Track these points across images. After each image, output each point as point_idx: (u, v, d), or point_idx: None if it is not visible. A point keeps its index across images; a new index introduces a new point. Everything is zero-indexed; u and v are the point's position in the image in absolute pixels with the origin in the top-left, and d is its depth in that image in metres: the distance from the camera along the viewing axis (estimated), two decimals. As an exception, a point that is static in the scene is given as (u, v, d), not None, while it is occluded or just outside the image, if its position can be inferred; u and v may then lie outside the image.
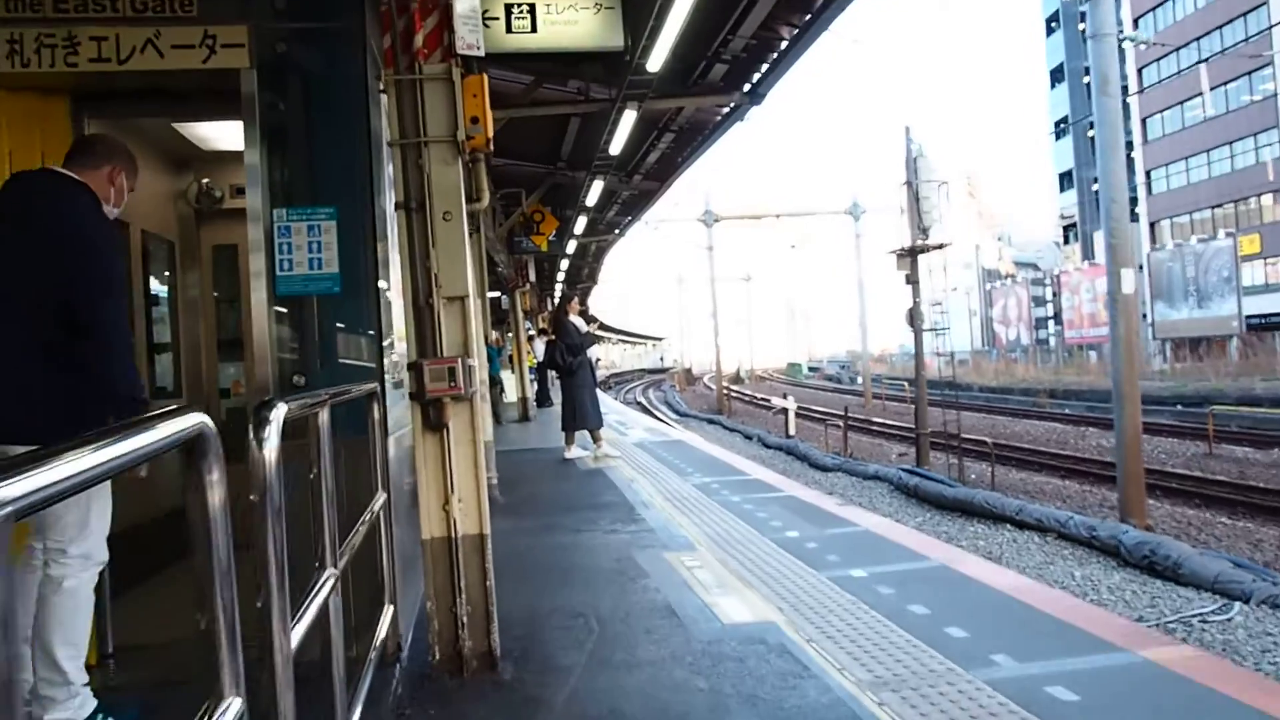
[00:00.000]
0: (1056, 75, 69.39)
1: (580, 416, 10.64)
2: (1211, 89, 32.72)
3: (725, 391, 38.91)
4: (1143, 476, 11.78)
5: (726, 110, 9.34)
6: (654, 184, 13.84)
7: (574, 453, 10.80)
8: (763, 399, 43.50)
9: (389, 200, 4.04)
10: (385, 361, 4.12)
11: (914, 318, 16.46)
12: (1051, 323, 65.88)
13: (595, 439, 10.81)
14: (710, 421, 33.44)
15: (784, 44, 7.84)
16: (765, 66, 8.31)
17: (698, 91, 8.71)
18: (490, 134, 3.90)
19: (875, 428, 26.62)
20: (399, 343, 4.37)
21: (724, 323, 42.93)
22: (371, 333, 4.16)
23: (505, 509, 7.70)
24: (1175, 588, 7.76)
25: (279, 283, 3.91)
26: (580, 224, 14.03)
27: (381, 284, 4.14)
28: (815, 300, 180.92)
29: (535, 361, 18.10)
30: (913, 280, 16.55)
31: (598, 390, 11.16)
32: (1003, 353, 60.46)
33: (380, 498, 3.45)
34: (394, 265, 4.19)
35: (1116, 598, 7.63)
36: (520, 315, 18.36)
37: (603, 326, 59.78)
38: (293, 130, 4.10)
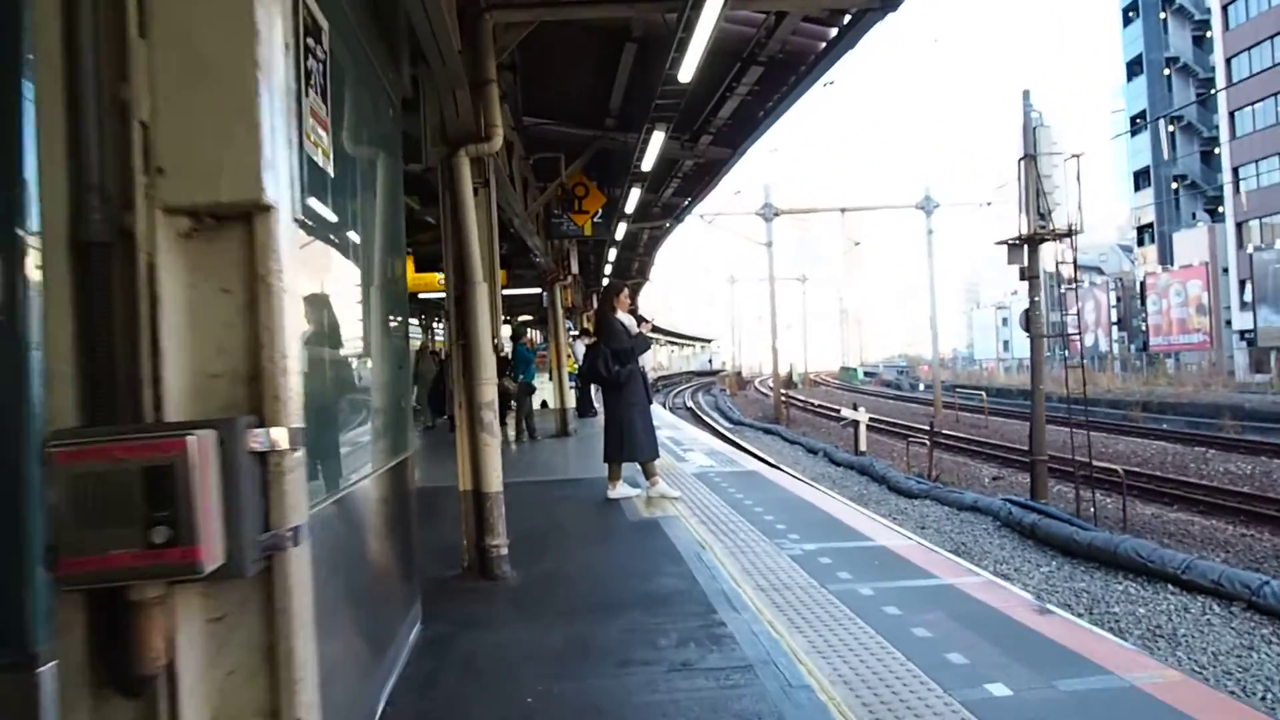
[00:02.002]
0: (1134, 68, 65.27)
1: (629, 445, 8.05)
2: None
3: (783, 398, 36.05)
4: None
5: (846, 21, 6.64)
6: (723, 152, 11.20)
7: (619, 491, 8.23)
8: (822, 406, 40.66)
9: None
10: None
11: (1030, 320, 13.60)
12: (1115, 328, 62.01)
13: (649, 474, 8.22)
14: (767, 431, 30.78)
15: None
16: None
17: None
18: None
19: (956, 443, 23.63)
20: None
21: (777, 324, 40.08)
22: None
23: (515, 598, 5.14)
24: None
25: None
26: (632, 199, 11.40)
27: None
28: (865, 302, 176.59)
29: (576, 366, 15.55)
30: (1030, 275, 13.70)
31: (651, 407, 8.54)
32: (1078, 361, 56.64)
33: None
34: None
35: None
36: (560, 313, 15.81)
37: (654, 329, 57.44)
38: None
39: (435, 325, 33.79)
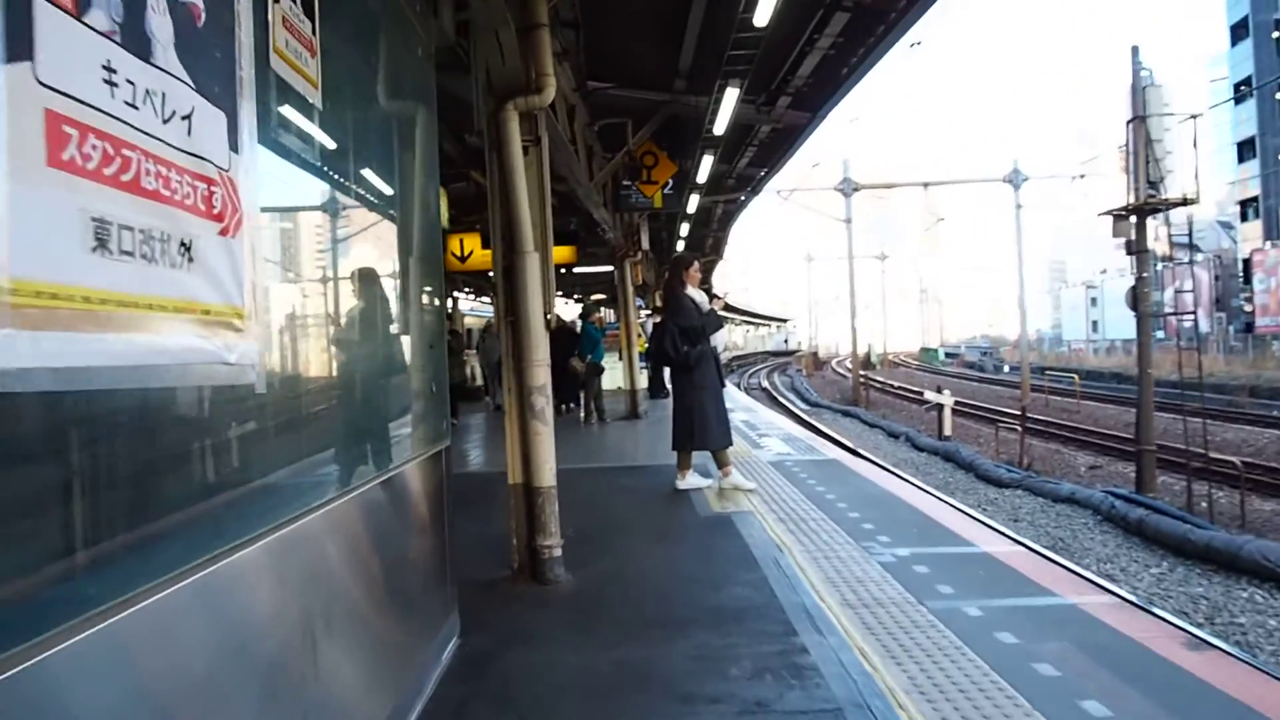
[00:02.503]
0: (1238, 32, 61.37)
1: (700, 432, 7.40)
2: None
3: (862, 380, 34.90)
4: None
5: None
6: (801, 116, 10.40)
7: (689, 482, 7.59)
8: (901, 388, 39.35)
9: None
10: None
11: (1138, 298, 12.47)
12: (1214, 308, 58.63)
13: (721, 464, 7.57)
14: (846, 414, 29.80)
15: None
16: None
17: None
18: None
19: (1047, 429, 22.33)
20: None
21: (855, 304, 38.88)
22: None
23: (567, 607, 4.56)
24: None
25: None
26: (704, 168, 10.64)
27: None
28: (944, 280, 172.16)
29: (647, 346, 14.90)
30: (1138, 249, 12.56)
31: (723, 389, 7.87)
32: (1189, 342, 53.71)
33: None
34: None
35: None
36: (630, 290, 15.19)
37: (726, 307, 56.49)
38: None
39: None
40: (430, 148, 3.90)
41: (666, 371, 9.10)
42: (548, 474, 4.91)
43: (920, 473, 17.28)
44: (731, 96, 7.82)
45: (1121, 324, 64.59)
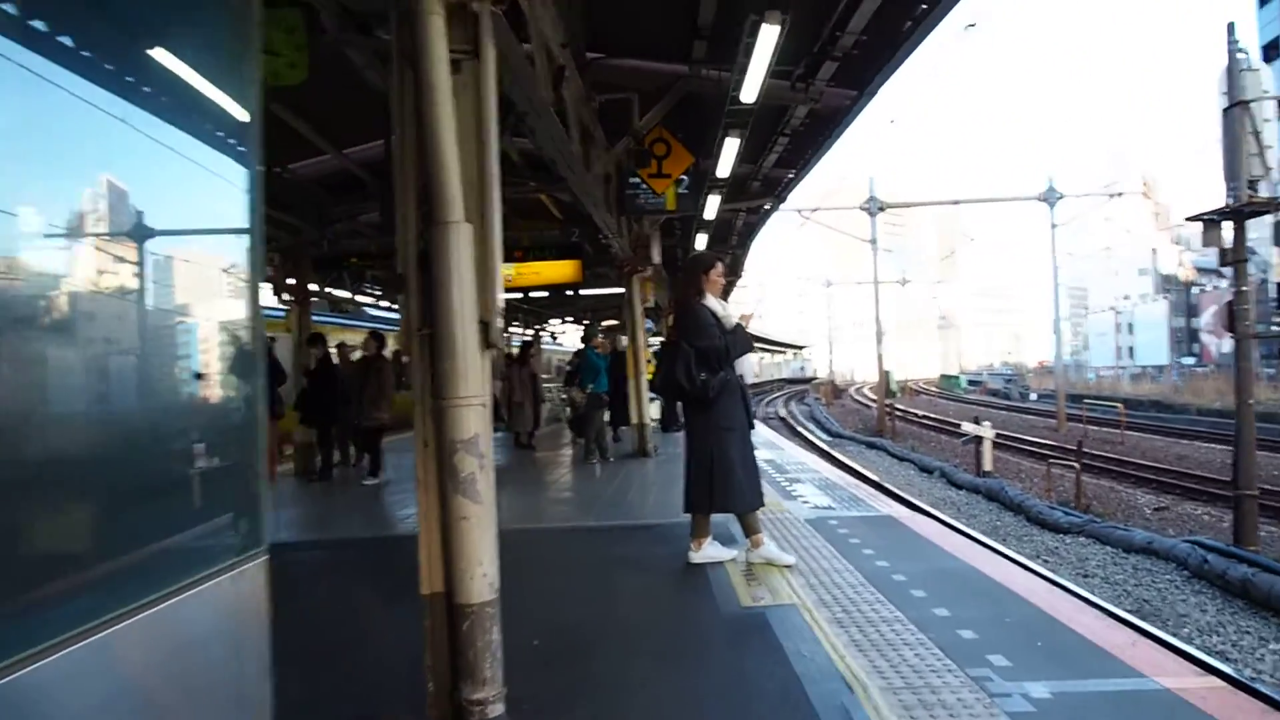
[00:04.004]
0: (1269, 52, 58.78)
1: (723, 491, 5.49)
2: None
3: (887, 409, 32.82)
4: None
5: None
6: (846, 96, 8.57)
7: (706, 553, 5.69)
8: (926, 417, 37.24)
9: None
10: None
11: (1235, 317, 10.50)
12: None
13: (749, 530, 5.66)
14: (871, 445, 27.78)
15: None
16: None
17: None
18: None
19: (1095, 464, 20.19)
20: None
21: (870, 331, 36.78)
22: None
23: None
24: None
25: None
26: (729, 154, 8.66)
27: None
28: (962, 306, 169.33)
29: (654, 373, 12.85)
30: (1236, 259, 10.60)
31: (752, 429, 5.93)
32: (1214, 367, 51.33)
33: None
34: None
35: None
36: (639, 310, 13.28)
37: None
38: None
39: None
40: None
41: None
42: (481, 584, 3.00)
43: (963, 515, 15.31)
44: (770, 36, 5.86)
45: (1153, 350, 62.38)
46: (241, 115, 2.17)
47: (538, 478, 11.43)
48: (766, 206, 14.54)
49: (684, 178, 9.57)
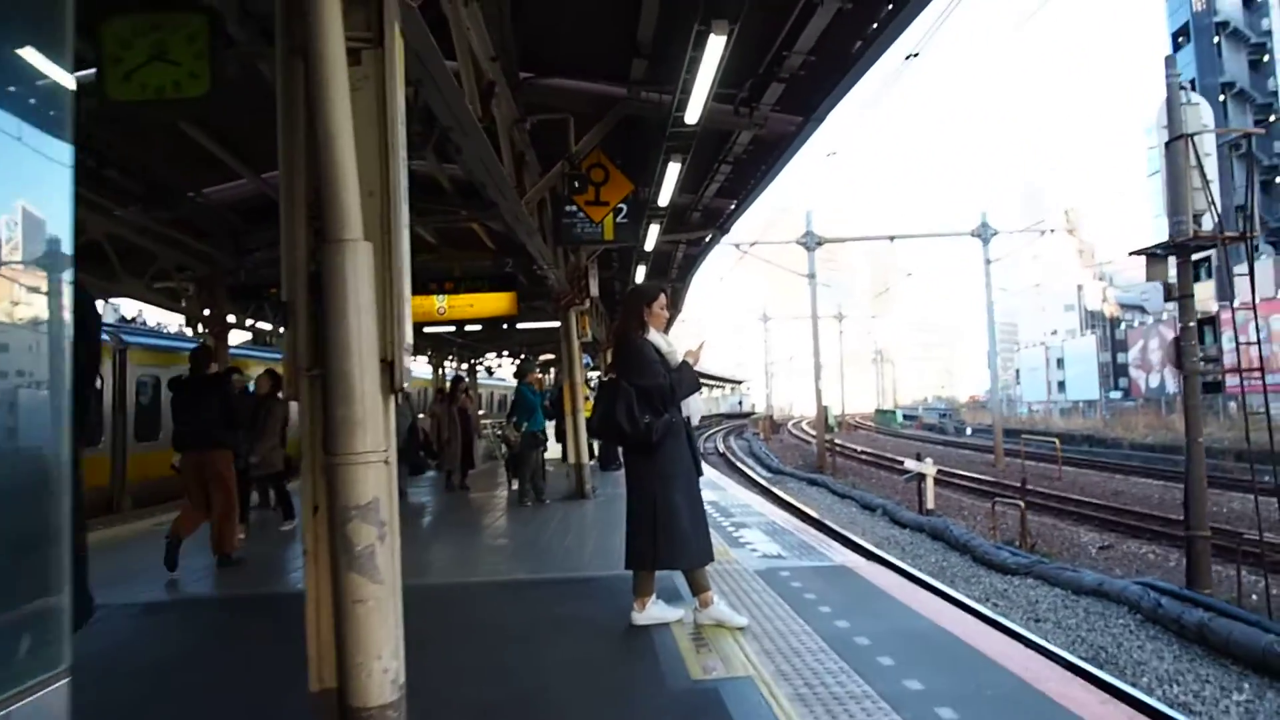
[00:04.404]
0: (1179, 38, 59.65)
1: (668, 544, 4.97)
2: None
3: (827, 444, 32.67)
4: None
5: None
6: (791, 121, 8.23)
7: (650, 614, 5.14)
8: (865, 452, 37.27)
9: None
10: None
11: (1183, 353, 10.35)
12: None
13: (697, 588, 5.13)
14: (812, 482, 27.50)
15: None
16: None
17: None
18: None
19: (1036, 500, 20.11)
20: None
21: (807, 366, 36.68)
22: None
23: None
24: None
25: None
26: (670, 181, 8.24)
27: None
28: (894, 341, 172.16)
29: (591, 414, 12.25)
30: (1182, 294, 10.47)
31: (700, 475, 5.42)
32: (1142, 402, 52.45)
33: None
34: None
35: None
36: (575, 344, 12.75)
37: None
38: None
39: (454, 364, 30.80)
40: None
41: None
42: (381, 680, 2.44)
43: (909, 555, 14.98)
44: (716, 48, 5.45)
45: (1083, 384, 63.63)
46: (53, 83, 1.63)
47: (467, 521, 10.77)
48: (708, 238, 14.19)
49: (622, 206, 9.14)
